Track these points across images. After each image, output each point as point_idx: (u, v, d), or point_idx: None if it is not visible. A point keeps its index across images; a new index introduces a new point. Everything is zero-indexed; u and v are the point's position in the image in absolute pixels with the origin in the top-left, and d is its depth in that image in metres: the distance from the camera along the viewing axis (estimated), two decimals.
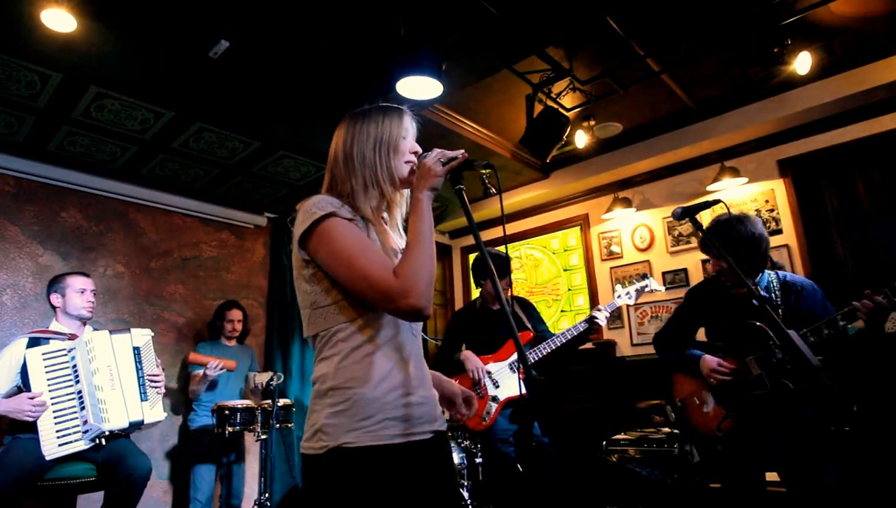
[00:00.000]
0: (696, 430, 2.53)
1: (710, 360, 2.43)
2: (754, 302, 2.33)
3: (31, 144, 3.82)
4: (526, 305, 3.67)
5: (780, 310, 2.38)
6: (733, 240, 2.34)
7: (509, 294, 3.65)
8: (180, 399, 4.39)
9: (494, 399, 3.30)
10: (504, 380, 3.33)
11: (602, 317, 3.32)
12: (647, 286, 3.53)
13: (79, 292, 3.12)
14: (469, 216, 1.32)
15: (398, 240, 1.47)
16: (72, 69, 3.08)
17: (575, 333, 3.31)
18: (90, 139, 3.81)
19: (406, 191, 1.48)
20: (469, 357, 3.35)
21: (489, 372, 3.33)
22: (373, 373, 1.24)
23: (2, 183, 3.86)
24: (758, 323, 2.34)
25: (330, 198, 1.33)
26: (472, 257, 6.01)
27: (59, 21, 2.62)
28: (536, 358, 3.28)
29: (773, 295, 2.42)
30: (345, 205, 1.34)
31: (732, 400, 2.38)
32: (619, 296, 3.52)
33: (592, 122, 4.22)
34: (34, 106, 3.38)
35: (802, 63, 3.28)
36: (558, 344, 3.30)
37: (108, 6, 2.73)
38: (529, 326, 3.47)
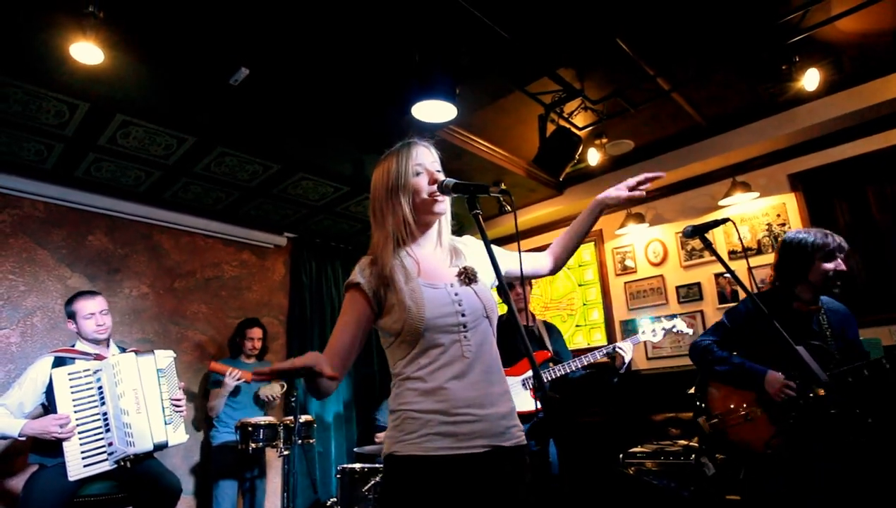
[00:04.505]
0: (736, 445, 2.45)
1: (780, 377, 2.34)
2: (812, 322, 2.34)
3: (59, 170, 3.97)
4: (551, 328, 3.71)
5: (827, 333, 2.37)
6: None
7: (527, 310, 3.69)
8: (203, 415, 4.47)
9: None
10: (515, 395, 3.36)
11: (627, 353, 3.30)
12: (674, 327, 3.48)
13: (87, 317, 3.08)
14: (486, 239, 1.37)
15: (443, 259, 1.55)
16: (99, 99, 3.21)
17: (592, 360, 3.32)
18: (116, 165, 3.94)
19: (446, 207, 1.54)
20: None
21: None
22: (418, 397, 1.38)
23: (32, 208, 4.00)
24: (818, 344, 2.30)
25: (365, 261, 1.50)
26: None
27: (88, 54, 2.72)
28: (550, 378, 3.31)
29: (821, 317, 2.43)
30: (374, 264, 1.47)
31: (790, 419, 2.32)
32: (643, 332, 3.47)
33: (604, 140, 4.28)
34: (63, 134, 3.52)
35: (811, 79, 3.32)
36: (574, 368, 3.33)
37: (134, 38, 2.86)
38: (549, 347, 3.51)
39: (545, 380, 3.25)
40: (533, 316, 3.71)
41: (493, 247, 1.69)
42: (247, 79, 3.17)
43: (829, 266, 2.36)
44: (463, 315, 1.42)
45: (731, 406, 2.51)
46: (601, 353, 3.34)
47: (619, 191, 1.72)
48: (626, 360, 3.29)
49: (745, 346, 2.55)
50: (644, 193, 1.73)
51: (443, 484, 1.32)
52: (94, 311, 3.11)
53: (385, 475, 1.42)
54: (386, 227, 1.49)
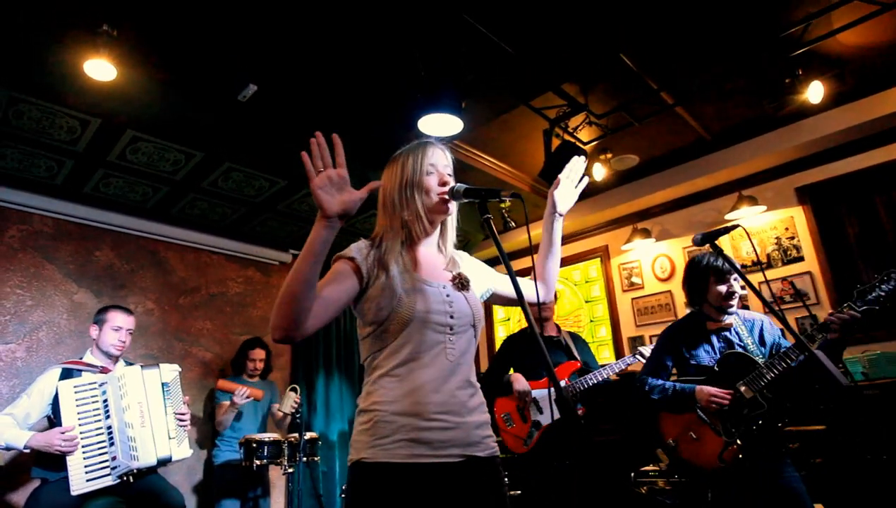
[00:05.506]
0: (693, 466, 2.51)
1: (707, 389, 2.45)
2: (729, 334, 2.56)
3: (69, 186, 4.01)
4: (577, 339, 3.70)
5: (748, 341, 2.53)
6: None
7: (552, 321, 3.68)
8: (206, 433, 4.43)
9: (536, 424, 3.31)
10: (547, 407, 3.33)
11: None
12: None
13: (114, 329, 3.11)
14: (498, 244, 1.36)
15: (440, 261, 1.55)
16: (110, 115, 3.26)
17: (621, 369, 3.31)
18: (124, 180, 3.98)
19: (452, 209, 1.54)
20: (517, 379, 3.39)
21: (534, 399, 3.35)
22: (393, 397, 1.33)
23: (41, 224, 4.03)
24: (741, 352, 2.47)
25: (363, 243, 1.46)
26: None
27: (101, 70, 2.79)
28: (581, 388, 3.30)
29: (738, 328, 2.57)
30: (374, 249, 1.44)
31: (732, 426, 2.41)
32: None
33: (609, 155, 4.29)
34: (73, 150, 3.57)
35: (815, 92, 3.33)
36: (605, 377, 3.31)
37: (146, 55, 2.91)
38: (577, 357, 3.50)
39: (575, 391, 3.26)
40: (558, 327, 3.69)
41: (487, 267, 1.71)
42: (255, 94, 3.22)
43: (722, 288, 2.52)
44: (451, 317, 1.41)
45: (680, 430, 2.57)
46: (625, 363, 3.35)
47: (562, 196, 1.70)
48: None
49: (679, 372, 2.67)
50: (587, 181, 1.71)
51: (416, 494, 1.27)
52: (122, 326, 3.13)
53: (352, 483, 1.32)
54: (396, 219, 1.49)
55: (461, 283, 1.50)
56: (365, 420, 1.34)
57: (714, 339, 2.59)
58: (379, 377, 1.37)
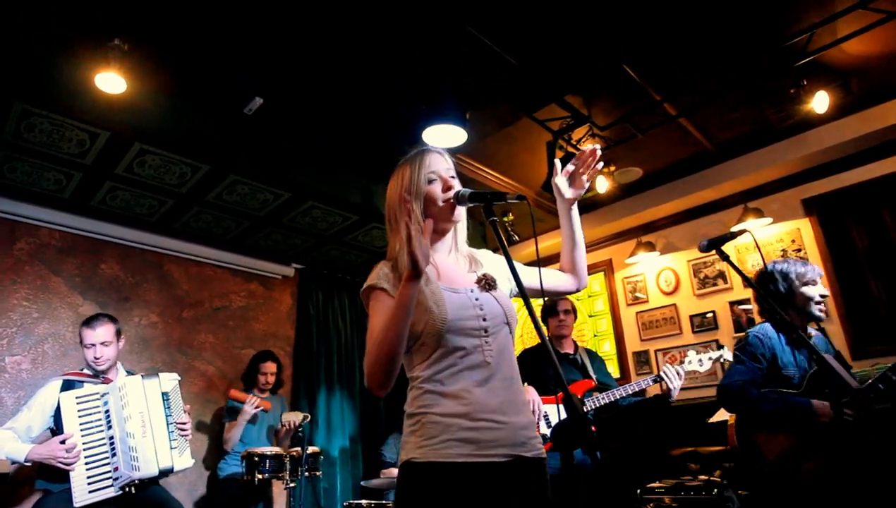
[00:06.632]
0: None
1: (826, 403, 2.22)
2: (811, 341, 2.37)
3: (76, 200, 4.03)
4: (594, 357, 3.67)
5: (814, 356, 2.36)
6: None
7: (570, 338, 3.66)
8: (210, 448, 4.39)
9: (544, 437, 3.27)
10: (557, 421, 3.30)
11: (672, 379, 3.17)
12: (721, 356, 3.32)
13: (87, 347, 3.06)
14: (503, 245, 1.35)
15: (461, 265, 1.54)
16: (119, 127, 3.28)
17: (636, 388, 3.27)
18: (131, 194, 4.00)
19: (461, 213, 1.52)
20: (529, 391, 3.36)
21: (546, 414, 3.32)
22: (438, 400, 1.35)
23: (49, 237, 4.05)
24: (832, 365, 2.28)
25: (382, 266, 1.48)
26: None
27: (111, 83, 2.83)
28: (595, 406, 3.25)
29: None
30: (395, 271, 1.44)
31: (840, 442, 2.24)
32: (689, 362, 3.32)
33: (613, 168, 4.30)
34: (82, 163, 3.59)
35: (820, 102, 3.33)
36: (620, 395, 3.26)
37: (155, 68, 2.96)
38: (593, 375, 3.46)
39: (590, 408, 3.22)
40: (575, 344, 3.65)
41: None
42: (261, 108, 3.24)
43: (813, 290, 2.46)
44: (484, 319, 1.41)
45: (788, 447, 2.33)
46: (646, 382, 3.28)
47: (575, 187, 1.62)
48: (673, 387, 3.16)
49: (769, 380, 2.43)
50: (598, 169, 1.60)
51: (463, 493, 1.28)
52: (94, 342, 3.05)
53: (402, 482, 1.35)
54: (402, 233, 1.44)
55: (487, 284, 1.49)
56: (413, 422, 1.37)
57: (796, 351, 2.43)
58: (422, 383, 1.38)
